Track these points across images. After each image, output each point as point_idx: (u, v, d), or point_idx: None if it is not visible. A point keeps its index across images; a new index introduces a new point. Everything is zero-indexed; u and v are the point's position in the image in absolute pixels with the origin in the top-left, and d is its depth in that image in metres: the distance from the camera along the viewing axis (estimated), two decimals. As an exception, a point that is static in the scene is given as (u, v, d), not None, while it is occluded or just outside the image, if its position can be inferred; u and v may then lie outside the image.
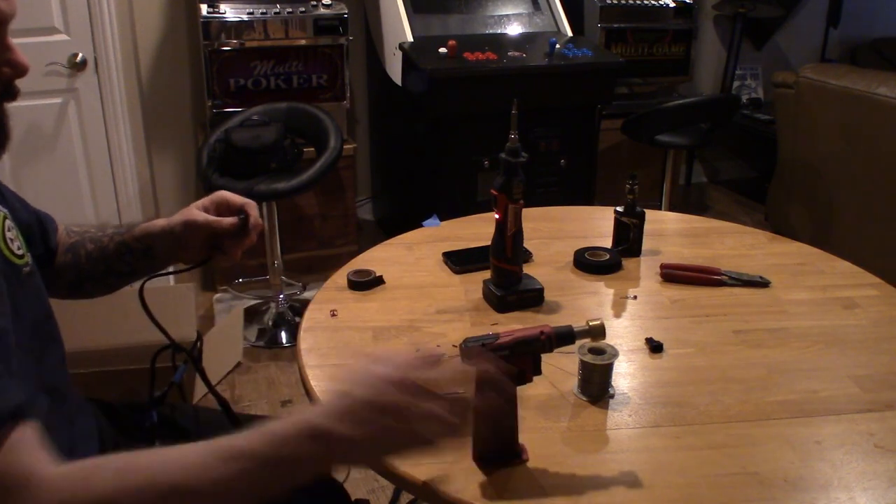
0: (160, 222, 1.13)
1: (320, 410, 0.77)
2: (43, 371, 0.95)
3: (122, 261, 1.14)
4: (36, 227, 1.10)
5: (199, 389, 2.24)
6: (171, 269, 1.20)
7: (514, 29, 3.16)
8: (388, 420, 0.74)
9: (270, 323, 2.86)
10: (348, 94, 3.07)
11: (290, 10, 2.90)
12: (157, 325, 1.11)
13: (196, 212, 1.11)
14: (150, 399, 1.16)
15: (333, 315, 1.28)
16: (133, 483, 0.73)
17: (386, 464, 0.87)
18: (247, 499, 0.76)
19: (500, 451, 0.92)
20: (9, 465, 0.72)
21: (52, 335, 1.02)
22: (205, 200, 1.12)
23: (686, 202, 4.14)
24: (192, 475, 0.73)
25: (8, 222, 0.95)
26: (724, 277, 1.41)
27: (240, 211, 1.11)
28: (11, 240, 0.94)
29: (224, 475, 0.74)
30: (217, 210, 1.12)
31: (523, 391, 0.90)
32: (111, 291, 1.19)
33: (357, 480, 2.04)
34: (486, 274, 1.34)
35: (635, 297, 1.36)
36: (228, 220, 1.10)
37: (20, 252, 0.95)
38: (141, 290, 1.11)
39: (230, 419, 1.16)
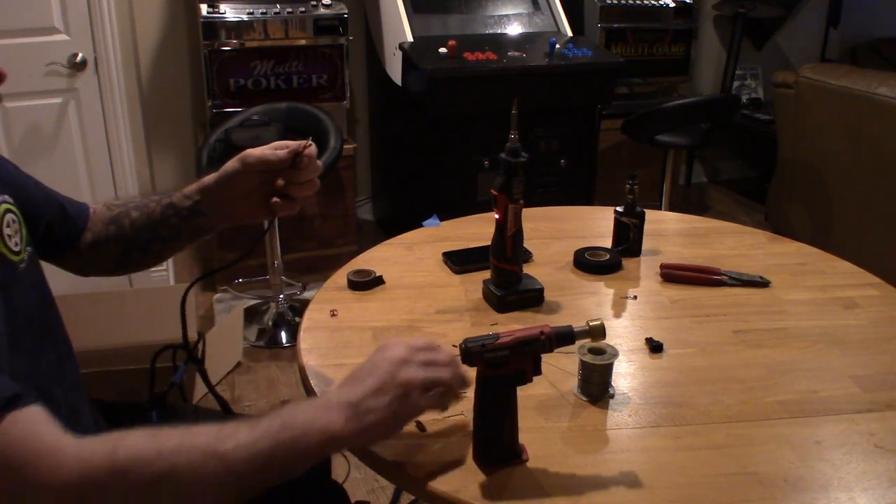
0: (211, 175, 1.10)
1: (335, 407, 0.82)
2: (36, 370, 0.95)
3: (168, 224, 1.11)
4: (57, 213, 1.09)
5: (199, 390, 2.24)
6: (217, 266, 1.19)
7: (514, 29, 3.16)
8: (395, 397, 0.84)
9: (270, 323, 2.86)
10: (348, 94, 3.07)
11: (290, 10, 2.90)
12: (184, 328, 1.09)
13: (252, 149, 1.08)
14: (150, 398, 1.16)
15: (333, 315, 1.27)
16: (164, 445, 0.75)
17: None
18: (263, 475, 0.79)
19: (500, 451, 0.92)
20: (14, 440, 0.72)
21: (50, 332, 1.01)
22: (264, 147, 1.09)
23: (686, 202, 4.14)
24: (220, 438, 0.77)
25: (9, 216, 0.95)
26: (724, 277, 1.40)
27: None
28: (10, 236, 0.94)
29: (248, 442, 0.77)
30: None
31: (523, 391, 0.90)
32: (158, 261, 1.17)
33: (357, 480, 2.04)
34: (486, 274, 1.34)
35: (635, 297, 1.36)
36: (282, 152, 1.06)
37: (17, 248, 0.95)
38: (184, 299, 1.09)
39: (223, 408, 1.16)
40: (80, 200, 1.16)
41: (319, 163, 1.08)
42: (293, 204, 1.08)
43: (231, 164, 1.08)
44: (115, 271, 1.17)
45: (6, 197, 0.97)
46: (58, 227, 1.09)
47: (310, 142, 1.07)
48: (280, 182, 1.07)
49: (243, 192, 1.08)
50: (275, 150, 1.07)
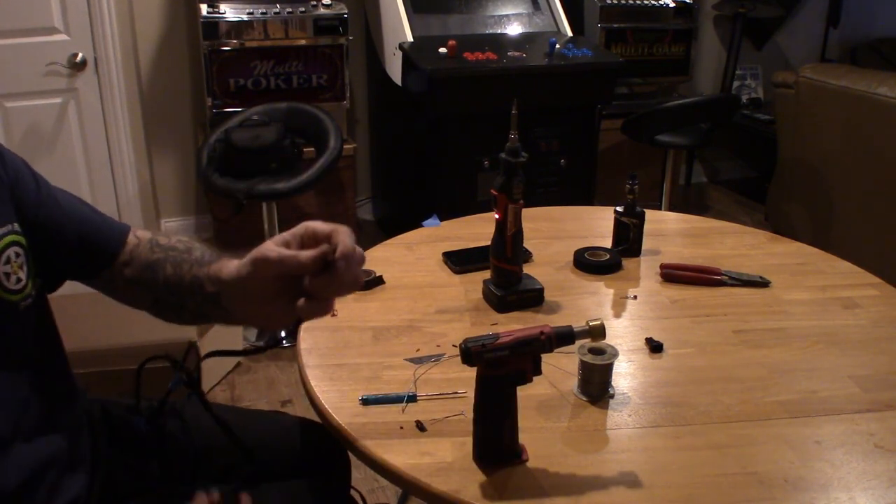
0: (232, 265, 0.91)
1: None
2: (19, 422, 0.89)
3: (195, 300, 0.97)
4: (75, 240, 0.99)
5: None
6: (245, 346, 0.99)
7: (514, 29, 3.16)
8: None
9: (270, 323, 2.86)
10: (348, 94, 3.07)
11: (290, 10, 2.90)
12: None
13: (269, 246, 0.85)
14: (137, 406, 1.13)
15: (333, 315, 1.27)
16: None
17: None
18: None
19: (500, 451, 0.92)
20: None
21: (48, 378, 0.95)
22: (286, 234, 0.87)
23: (686, 202, 4.14)
24: None
25: (12, 251, 0.88)
26: (724, 277, 1.40)
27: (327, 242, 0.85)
28: (8, 274, 0.86)
29: None
30: (301, 244, 0.86)
31: (523, 391, 0.90)
32: (194, 324, 1.04)
33: (357, 480, 2.02)
34: (486, 274, 1.34)
35: (635, 297, 1.36)
36: (307, 254, 0.83)
37: (18, 286, 0.88)
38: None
39: (223, 429, 1.14)
40: (121, 223, 1.05)
41: (361, 252, 0.86)
42: (326, 305, 0.86)
43: (244, 265, 0.89)
44: (155, 315, 1.04)
45: (14, 226, 0.90)
46: (81, 255, 1.00)
47: (342, 242, 0.84)
48: (308, 282, 0.85)
49: (263, 298, 0.88)
50: (299, 239, 0.86)
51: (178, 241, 1.03)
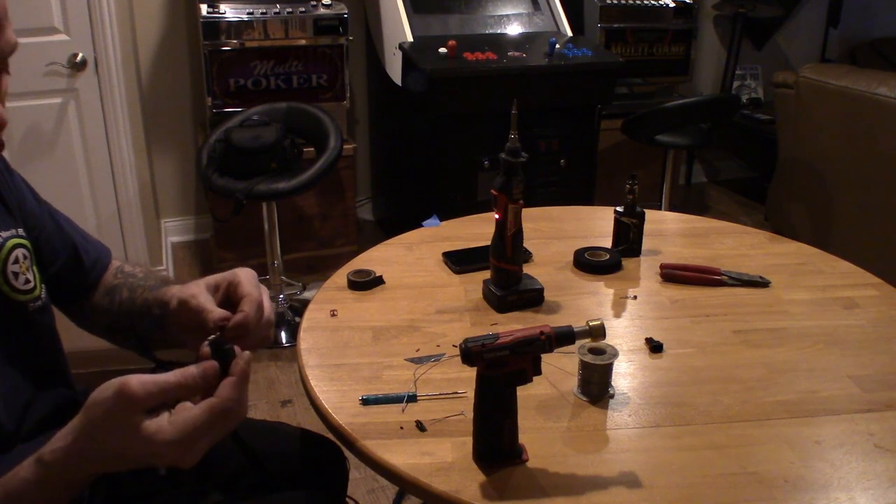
0: (173, 291, 0.94)
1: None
2: (23, 423, 0.90)
3: (143, 323, 0.99)
4: (70, 260, 1.01)
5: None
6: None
7: (514, 29, 3.16)
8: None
9: (270, 323, 2.86)
10: (348, 94, 3.07)
11: (290, 10, 2.90)
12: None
13: (195, 291, 0.88)
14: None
15: (333, 315, 1.27)
16: None
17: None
18: None
19: (500, 451, 0.92)
20: None
21: (52, 379, 0.95)
22: (218, 278, 0.89)
23: (686, 202, 4.14)
24: None
25: (19, 251, 0.88)
26: (724, 277, 1.40)
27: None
28: (16, 273, 0.87)
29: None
30: (226, 293, 0.89)
31: (523, 391, 0.90)
32: (142, 351, 1.03)
33: (357, 480, 2.04)
34: (486, 274, 1.34)
35: (635, 297, 1.36)
36: (213, 317, 0.85)
37: (27, 287, 0.89)
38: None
39: (233, 437, 1.14)
40: (103, 246, 1.07)
41: (268, 318, 0.88)
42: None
43: (177, 298, 0.91)
44: (106, 339, 1.08)
45: (19, 230, 0.90)
46: (68, 276, 1.02)
47: (243, 313, 0.85)
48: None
49: (196, 328, 0.88)
50: (225, 287, 0.89)
51: (141, 270, 1.07)
